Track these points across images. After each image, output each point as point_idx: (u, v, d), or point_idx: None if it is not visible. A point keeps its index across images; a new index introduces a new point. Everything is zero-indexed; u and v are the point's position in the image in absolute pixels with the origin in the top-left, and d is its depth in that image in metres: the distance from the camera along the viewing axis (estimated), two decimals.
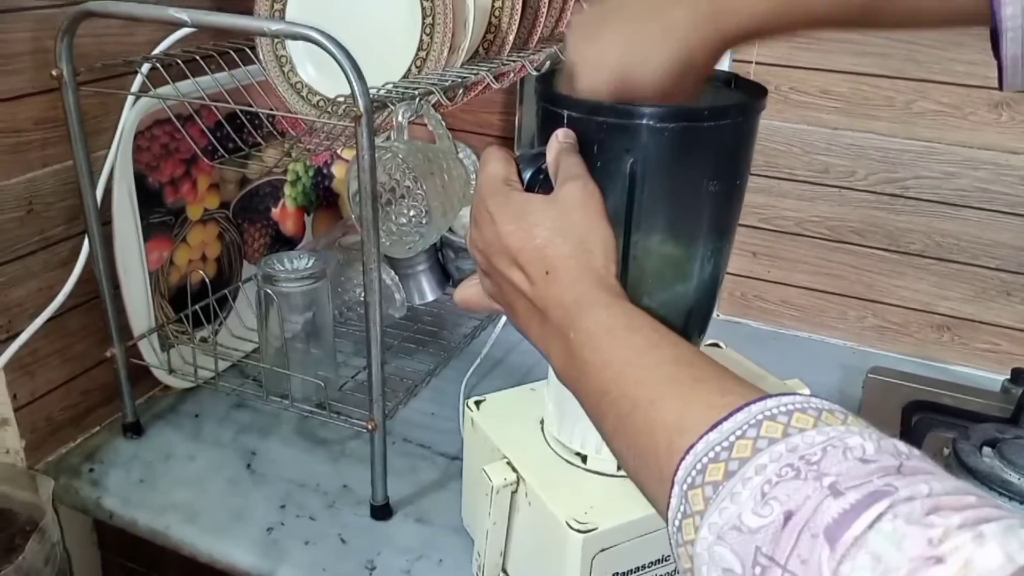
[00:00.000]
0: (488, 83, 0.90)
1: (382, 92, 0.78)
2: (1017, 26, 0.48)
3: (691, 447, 0.38)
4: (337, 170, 1.24)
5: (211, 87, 0.87)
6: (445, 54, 0.86)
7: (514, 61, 0.95)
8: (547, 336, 0.51)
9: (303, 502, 0.88)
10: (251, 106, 0.86)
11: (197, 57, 0.87)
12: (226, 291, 1.07)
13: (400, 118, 0.78)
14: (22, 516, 0.84)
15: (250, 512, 0.86)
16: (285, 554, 0.81)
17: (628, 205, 0.57)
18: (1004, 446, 0.88)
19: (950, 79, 1.07)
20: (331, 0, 0.89)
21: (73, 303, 0.90)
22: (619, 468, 0.69)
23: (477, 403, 0.79)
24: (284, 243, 1.17)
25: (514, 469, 0.70)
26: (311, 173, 1.20)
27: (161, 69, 0.84)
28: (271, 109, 0.90)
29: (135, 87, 0.86)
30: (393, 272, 1.11)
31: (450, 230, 1.17)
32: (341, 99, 0.72)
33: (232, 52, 0.90)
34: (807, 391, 0.80)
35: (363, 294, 0.76)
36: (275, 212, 1.15)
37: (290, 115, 0.92)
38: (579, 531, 0.63)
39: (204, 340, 1.02)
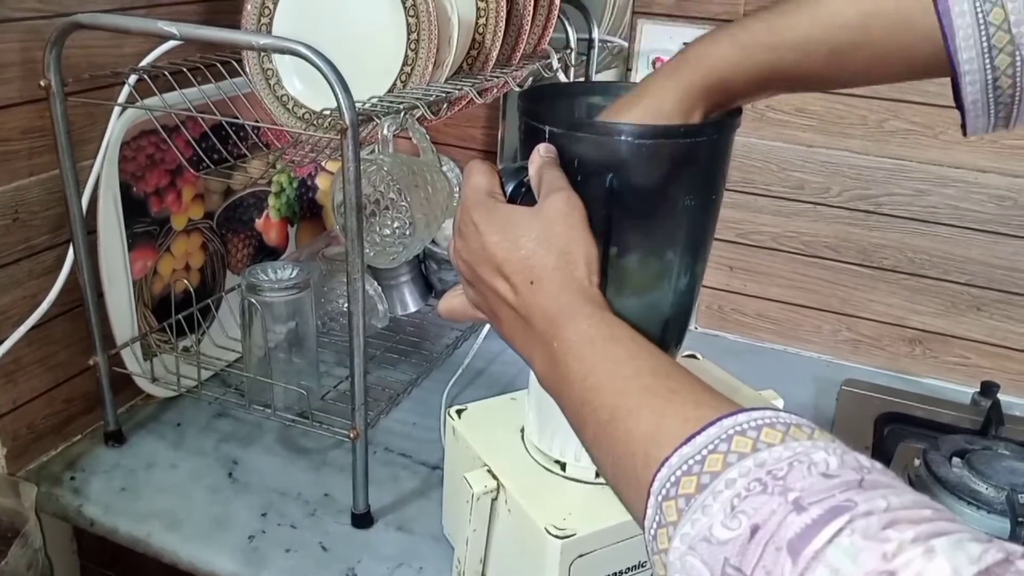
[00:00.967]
0: (471, 98, 0.92)
1: (367, 106, 0.79)
2: (974, 69, 0.49)
3: (666, 459, 0.40)
4: (321, 182, 1.26)
5: (197, 98, 0.88)
6: (430, 69, 0.88)
7: (497, 77, 0.97)
8: (531, 344, 0.53)
9: (284, 510, 0.88)
10: (237, 118, 0.87)
11: (184, 69, 0.88)
12: (209, 300, 1.07)
13: (385, 131, 0.79)
14: (4, 522, 0.84)
15: (231, 520, 0.87)
16: (266, 562, 0.82)
17: (607, 218, 0.59)
18: (973, 457, 0.91)
19: (921, 99, 1.10)
20: (318, 15, 0.91)
21: (57, 311, 0.90)
22: (598, 475, 0.70)
23: (459, 412, 0.80)
24: (267, 254, 1.18)
25: (494, 477, 0.71)
26: (295, 185, 1.21)
27: (148, 80, 0.85)
28: (257, 121, 0.92)
29: (122, 98, 0.87)
30: (376, 283, 1.13)
31: (433, 242, 1.18)
32: (327, 112, 0.74)
33: (219, 64, 0.92)
34: (780, 402, 0.82)
35: (346, 304, 0.77)
36: (259, 223, 1.16)
37: (275, 127, 0.93)
38: (557, 537, 0.64)
39: (187, 349, 1.02)
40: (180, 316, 1.00)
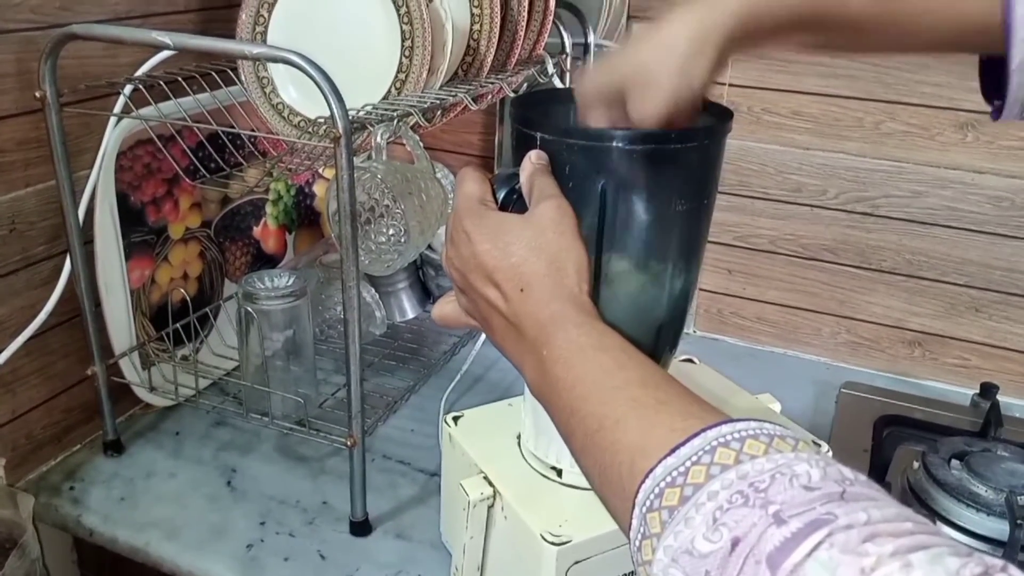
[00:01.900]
0: (466, 105, 0.92)
1: (361, 114, 0.80)
2: None
3: (651, 471, 0.40)
4: (318, 189, 1.26)
5: (193, 108, 0.88)
6: (424, 76, 0.88)
7: (492, 83, 0.97)
8: (521, 352, 0.53)
9: (283, 519, 0.88)
10: (233, 127, 0.87)
11: (179, 79, 0.88)
12: (207, 309, 1.07)
13: (379, 139, 0.79)
14: (2, 533, 0.84)
15: (230, 529, 0.87)
16: (264, 570, 0.82)
17: (599, 225, 0.59)
18: (972, 459, 0.91)
19: (917, 100, 1.10)
20: (312, 23, 0.91)
21: (55, 321, 0.91)
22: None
23: (455, 419, 0.80)
24: (266, 261, 1.18)
25: (491, 483, 0.71)
26: (292, 192, 1.21)
27: (144, 90, 0.85)
28: (252, 130, 0.92)
29: (118, 108, 0.88)
30: (374, 290, 1.13)
31: (431, 248, 1.19)
32: (321, 120, 0.74)
33: (214, 73, 0.92)
34: (777, 406, 0.82)
35: (343, 312, 0.77)
36: (257, 231, 1.16)
37: (271, 136, 0.94)
38: (553, 543, 0.64)
39: (185, 358, 1.02)
40: (178, 325, 1.00)
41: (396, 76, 0.89)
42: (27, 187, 0.86)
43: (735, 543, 0.34)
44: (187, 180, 0.96)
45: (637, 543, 0.39)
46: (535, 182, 0.56)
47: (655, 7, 1.18)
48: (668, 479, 0.39)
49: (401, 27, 0.88)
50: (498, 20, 0.95)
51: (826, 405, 1.12)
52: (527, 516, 0.67)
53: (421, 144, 0.89)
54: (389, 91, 0.89)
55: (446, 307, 0.62)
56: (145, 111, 0.87)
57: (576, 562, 0.65)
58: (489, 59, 0.97)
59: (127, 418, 1.03)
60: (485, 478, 0.72)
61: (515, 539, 0.69)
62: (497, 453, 0.75)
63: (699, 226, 0.63)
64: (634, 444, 0.42)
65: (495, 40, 0.96)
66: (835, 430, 1.06)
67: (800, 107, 1.15)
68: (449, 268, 0.59)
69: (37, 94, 0.80)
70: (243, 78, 0.93)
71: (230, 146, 0.91)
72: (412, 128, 0.86)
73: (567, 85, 1.12)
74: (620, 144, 0.57)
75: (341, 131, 0.70)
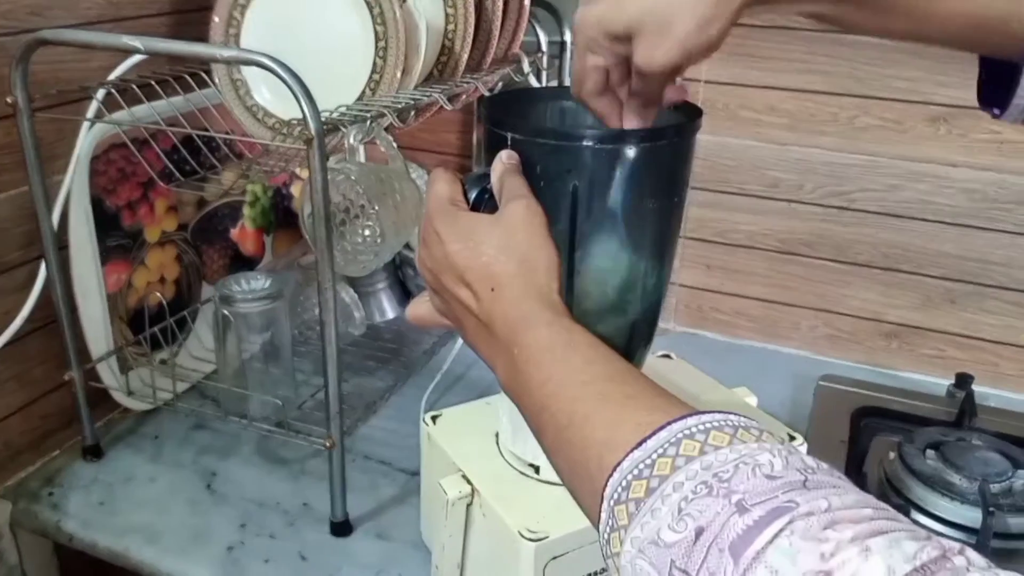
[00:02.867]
0: (441, 105, 0.92)
1: (334, 115, 0.80)
2: None
3: (618, 464, 0.40)
4: (296, 190, 1.26)
5: (167, 111, 0.88)
6: (398, 76, 0.88)
7: (468, 83, 0.97)
8: (493, 351, 0.53)
9: (263, 521, 0.88)
10: (207, 129, 0.87)
11: (152, 82, 0.88)
12: (185, 312, 1.07)
13: (352, 140, 0.79)
14: None
15: (210, 532, 0.87)
16: (245, 573, 0.82)
17: (571, 224, 0.59)
18: (947, 448, 0.92)
19: (890, 95, 1.10)
20: (286, 25, 0.91)
21: (31, 327, 0.90)
22: None
23: (434, 418, 0.80)
24: (244, 264, 1.18)
25: (469, 482, 0.72)
26: (270, 194, 1.21)
27: (116, 94, 0.85)
28: (227, 132, 0.92)
29: (90, 113, 0.87)
30: (352, 290, 1.13)
31: (410, 248, 1.19)
32: (295, 122, 0.74)
33: (187, 76, 0.92)
34: (753, 399, 0.82)
35: (320, 313, 0.77)
36: (234, 233, 1.16)
37: (245, 139, 0.93)
38: (531, 540, 0.65)
39: (163, 362, 1.02)
40: (155, 328, 1.00)
41: (370, 77, 0.89)
42: (0, 193, 0.86)
43: (699, 532, 0.35)
44: (162, 184, 0.96)
45: (606, 536, 0.40)
46: (505, 182, 0.56)
47: None
48: (635, 472, 0.39)
49: (375, 28, 0.88)
50: (472, 20, 0.95)
51: (805, 397, 1.13)
52: (505, 513, 0.68)
53: (395, 145, 0.89)
54: (363, 92, 0.89)
55: (420, 307, 0.62)
56: (118, 115, 0.86)
57: (553, 558, 0.66)
58: (464, 59, 0.97)
59: (106, 423, 1.02)
60: (464, 476, 0.72)
61: (493, 536, 0.70)
62: (475, 452, 0.76)
63: (671, 223, 0.64)
64: (602, 439, 0.42)
65: (470, 40, 0.96)
66: (813, 422, 1.06)
67: (776, 103, 1.16)
68: (422, 269, 0.59)
69: (8, 100, 0.80)
70: (217, 80, 0.93)
71: (205, 149, 0.90)
72: (386, 129, 0.86)
73: (543, 84, 1.12)
74: (590, 143, 0.57)
75: (313, 132, 0.70)
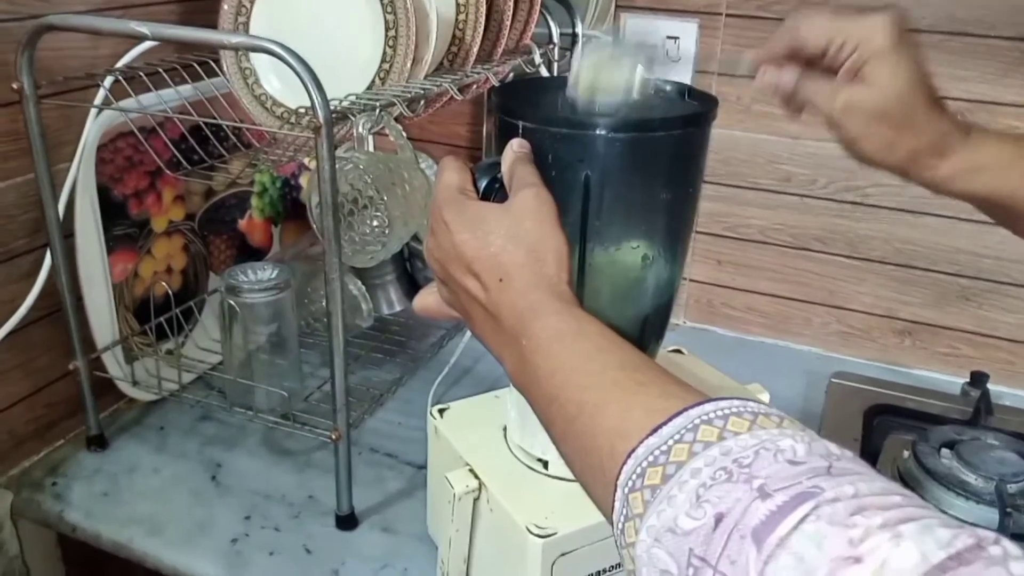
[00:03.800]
0: (452, 95, 0.91)
1: (344, 104, 0.79)
2: None
3: (632, 451, 0.39)
4: (304, 181, 1.25)
5: (175, 100, 0.87)
6: (408, 66, 0.87)
7: (478, 73, 0.96)
8: (501, 342, 0.52)
9: (268, 513, 0.88)
10: (215, 118, 0.86)
11: (161, 70, 0.87)
12: (191, 303, 1.06)
13: (361, 129, 0.78)
14: None
15: (215, 524, 0.86)
16: (249, 565, 0.81)
17: (583, 213, 0.58)
18: (962, 447, 0.90)
19: None
20: (296, 12, 0.90)
21: (36, 316, 0.90)
22: None
23: (441, 411, 0.79)
24: (251, 254, 1.17)
25: (476, 476, 0.71)
26: (278, 184, 1.20)
27: (124, 82, 0.84)
28: (235, 121, 0.91)
29: (98, 100, 0.86)
30: (360, 282, 1.12)
31: (418, 240, 1.18)
32: (303, 111, 0.73)
33: (196, 65, 0.91)
34: (766, 396, 0.81)
35: (327, 304, 0.76)
36: (242, 223, 1.15)
37: (254, 127, 0.93)
38: (539, 536, 0.64)
39: (169, 352, 1.01)
40: (161, 319, 0.99)
41: (380, 66, 0.88)
42: (5, 180, 0.85)
43: (719, 519, 0.34)
44: (169, 173, 0.95)
45: (620, 526, 0.39)
46: (516, 171, 0.55)
47: None
48: (650, 459, 0.38)
49: (385, 16, 0.87)
50: (484, 9, 0.94)
51: (816, 395, 1.12)
52: (513, 508, 0.67)
53: (404, 134, 0.88)
54: (373, 81, 0.88)
55: (428, 298, 0.61)
56: (126, 103, 0.86)
57: (562, 554, 0.65)
58: (475, 49, 0.96)
59: (110, 413, 1.02)
60: (471, 471, 0.71)
61: (501, 532, 0.69)
62: (483, 445, 0.75)
63: (684, 215, 0.63)
64: (614, 427, 0.41)
65: (481, 30, 0.95)
66: (825, 419, 1.05)
67: None
68: (430, 259, 0.58)
69: (14, 86, 0.79)
70: (225, 69, 0.92)
71: (213, 138, 0.89)
72: (395, 118, 0.85)
73: (554, 75, 1.11)
74: (603, 132, 0.56)
75: (322, 121, 0.69)
